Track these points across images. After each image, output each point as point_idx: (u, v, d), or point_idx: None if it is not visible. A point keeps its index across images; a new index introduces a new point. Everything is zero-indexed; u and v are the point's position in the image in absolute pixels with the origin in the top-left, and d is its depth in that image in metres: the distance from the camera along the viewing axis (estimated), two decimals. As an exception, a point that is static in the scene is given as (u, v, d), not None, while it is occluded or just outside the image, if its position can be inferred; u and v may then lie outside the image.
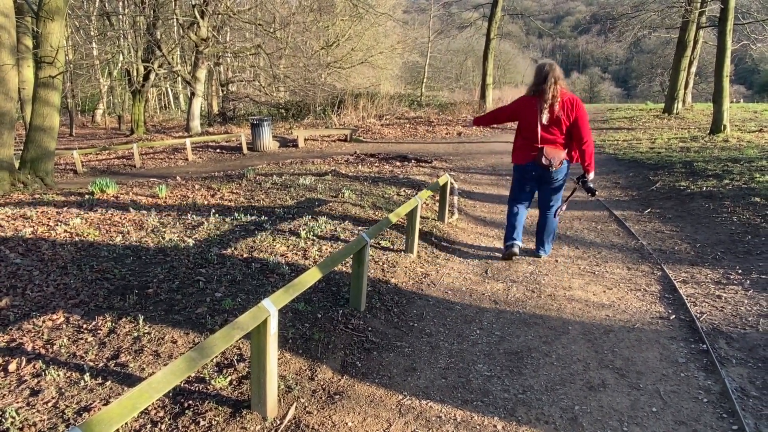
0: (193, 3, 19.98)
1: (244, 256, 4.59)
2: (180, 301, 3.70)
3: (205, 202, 6.63)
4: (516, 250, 5.07)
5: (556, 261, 5.12)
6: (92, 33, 28.11)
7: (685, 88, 19.93)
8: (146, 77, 25.29)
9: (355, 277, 3.58)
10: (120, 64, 28.97)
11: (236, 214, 5.86)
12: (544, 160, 4.62)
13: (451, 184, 8.19)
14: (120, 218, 5.97)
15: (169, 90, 41.38)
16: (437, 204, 6.44)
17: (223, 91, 29.56)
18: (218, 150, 14.44)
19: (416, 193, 7.02)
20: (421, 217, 6.07)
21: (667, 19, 20.53)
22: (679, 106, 18.69)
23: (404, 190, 7.44)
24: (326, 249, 4.84)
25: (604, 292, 4.37)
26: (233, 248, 4.75)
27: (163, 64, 22.59)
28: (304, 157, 12.61)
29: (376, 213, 6.14)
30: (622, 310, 4.01)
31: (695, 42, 19.27)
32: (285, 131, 16.67)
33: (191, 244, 4.84)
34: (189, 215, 5.96)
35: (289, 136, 15.12)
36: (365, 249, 3.50)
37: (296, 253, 4.69)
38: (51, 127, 8.90)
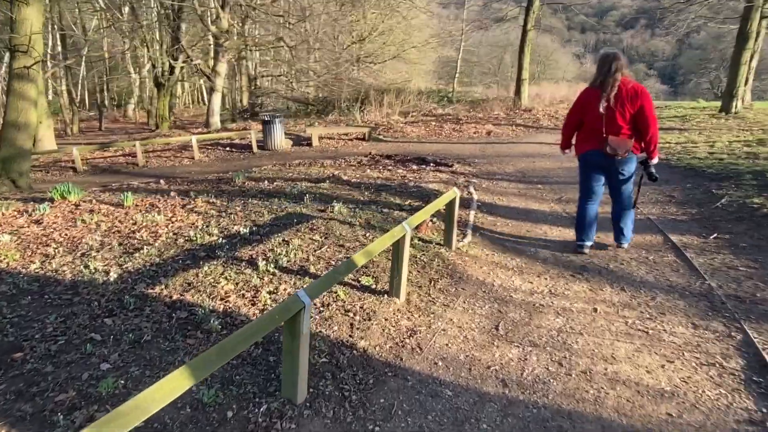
0: (214, -7, 19.15)
1: (174, 298, 3.48)
2: (46, 377, 2.61)
3: (169, 215, 5.58)
4: (586, 251, 4.99)
5: (595, 310, 3.82)
6: (124, 27, 27.85)
7: (745, 84, 17.94)
8: (171, 71, 24.80)
9: (288, 356, 2.40)
10: (150, 59, 28.61)
11: (194, 233, 4.78)
12: (609, 149, 4.50)
13: (469, 194, 6.93)
14: (60, 234, 4.96)
15: (203, 85, 41.08)
16: (445, 222, 5.18)
17: (251, 86, 28.90)
18: (228, 148, 13.50)
19: (420, 208, 5.80)
20: (421, 240, 4.85)
21: (725, 7, 18.56)
22: (739, 104, 16.78)
23: (410, 203, 6.21)
24: (285, 290, 3.68)
25: (663, 367, 3.07)
26: (164, 285, 3.64)
27: (188, 59, 21.86)
28: (314, 158, 11.50)
29: (368, 234, 4.94)
30: (692, 405, 2.71)
31: (757, 33, 17.28)
32: (304, 128, 15.63)
33: (113, 278, 3.76)
34: (139, 233, 4.91)
35: (305, 133, 14.06)
36: (301, 315, 2.32)
37: (243, 296, 3.55)
38: (27, 123, 8.04)
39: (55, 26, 27.35)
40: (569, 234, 5.57)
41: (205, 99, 42.88)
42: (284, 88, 28.53)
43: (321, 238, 4.74)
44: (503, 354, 3.20)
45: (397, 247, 3.51)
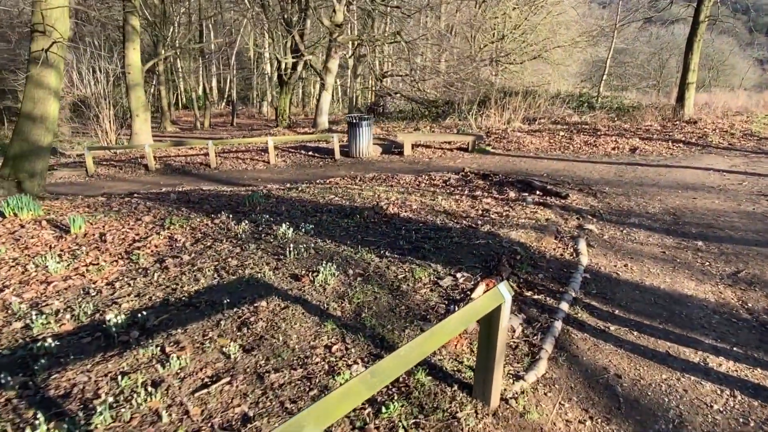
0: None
1: None
2: None
3: (88, 260, 3.76)
4: None
5: None
6: (266, 26, 28.11)
7: None
8: (294, 68, 24.32)
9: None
10: (273, 56, 28.57)
11: (51, 311, 2.84)
12: None
13: (574, 254, 4.29)
14: None
15: (338, 84, 40.94)
16: (478, 353, 2.64)
17: (376, 85, 27.69)
18: (310, 153, 11.82)
19: (472, 290, 3.31)
20: (431, 373, 2.43)
21: None
22: None
23: (459, 272, 3.74)
24: None
25: None
26: None
27: (301, 55, 20.92)
28: (394, 172, 9.32)
29: (341, 346, 2.63)
30: None
31: None
32: (396, 134, 13.51)
33: None
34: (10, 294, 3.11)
35: (400, 140, 11.92)
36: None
37: None
38: (44, 116, 6.86)
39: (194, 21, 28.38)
40: (757, 372, 2.78)
41: (341, 99, 42.90)
42: (409, 88, 26.84)
43: (238, 350, 2.52)
44: None
45: None
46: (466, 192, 7.07)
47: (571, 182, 7.85)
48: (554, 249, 4.53)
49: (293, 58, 20.82)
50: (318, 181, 8.79)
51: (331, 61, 18.91)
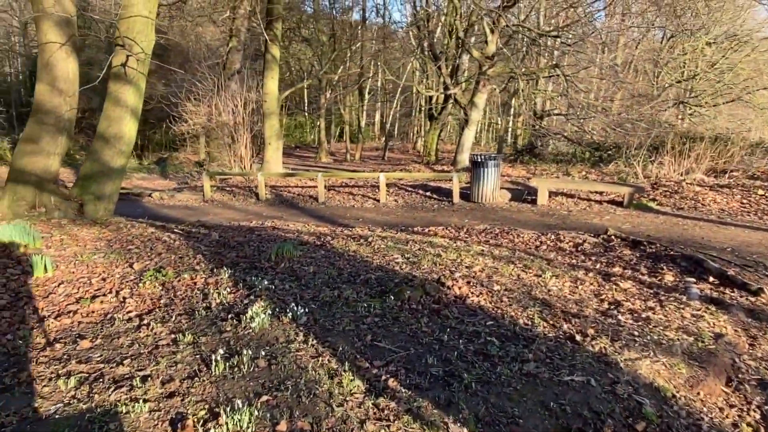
0: (483, 15, 16.31)
1: None
2: None
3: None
4: None
5: None
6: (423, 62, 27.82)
7: None
8: (445, 102, 23.41)
9: None
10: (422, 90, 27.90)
11: None
12: None
13: (760, 423, 2.17)
14: None
15: (498, 120, 39.26)
16: None
17: (535, 124, 25.52)
18: (429, 193, 10.34)
19: None
20: None
21: None
22: None
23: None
24: None
25: None
26: None
27: (446, 89, 19.74)
28: (518, 225, 7.42)
29: None
30: None
31: None
32: (547, 177, 11.38)
33: None
34: None
35: (533, 185, 9.91)
36: None
37: None
38: (118, 135, 6.36)
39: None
40: None
41: (495, 136, 40.93)
42: (571, 129, 24.17)
43: None
44: None
45: None
46: (598, 266, 4.99)
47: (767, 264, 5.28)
48: (720, 409, 2.42)
49: (444, 92, 19.73)
50: (417, 229, 7.27)
51: (478, 96, 17.38)
